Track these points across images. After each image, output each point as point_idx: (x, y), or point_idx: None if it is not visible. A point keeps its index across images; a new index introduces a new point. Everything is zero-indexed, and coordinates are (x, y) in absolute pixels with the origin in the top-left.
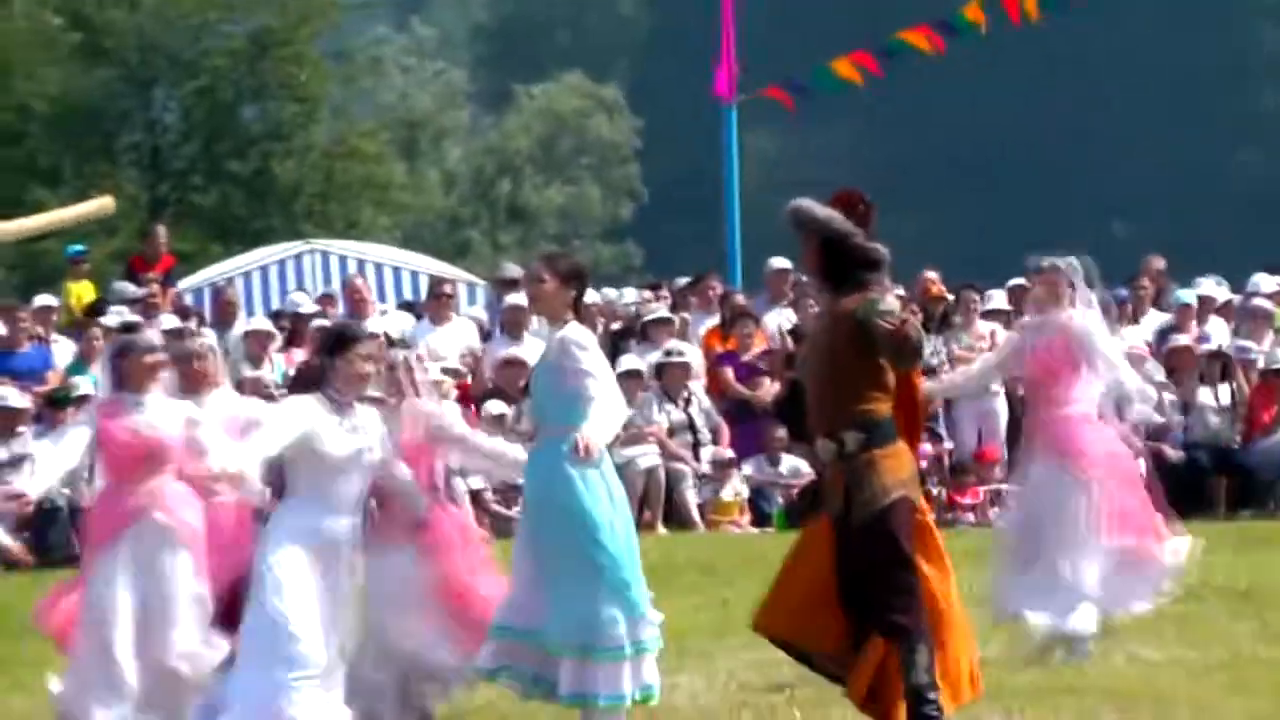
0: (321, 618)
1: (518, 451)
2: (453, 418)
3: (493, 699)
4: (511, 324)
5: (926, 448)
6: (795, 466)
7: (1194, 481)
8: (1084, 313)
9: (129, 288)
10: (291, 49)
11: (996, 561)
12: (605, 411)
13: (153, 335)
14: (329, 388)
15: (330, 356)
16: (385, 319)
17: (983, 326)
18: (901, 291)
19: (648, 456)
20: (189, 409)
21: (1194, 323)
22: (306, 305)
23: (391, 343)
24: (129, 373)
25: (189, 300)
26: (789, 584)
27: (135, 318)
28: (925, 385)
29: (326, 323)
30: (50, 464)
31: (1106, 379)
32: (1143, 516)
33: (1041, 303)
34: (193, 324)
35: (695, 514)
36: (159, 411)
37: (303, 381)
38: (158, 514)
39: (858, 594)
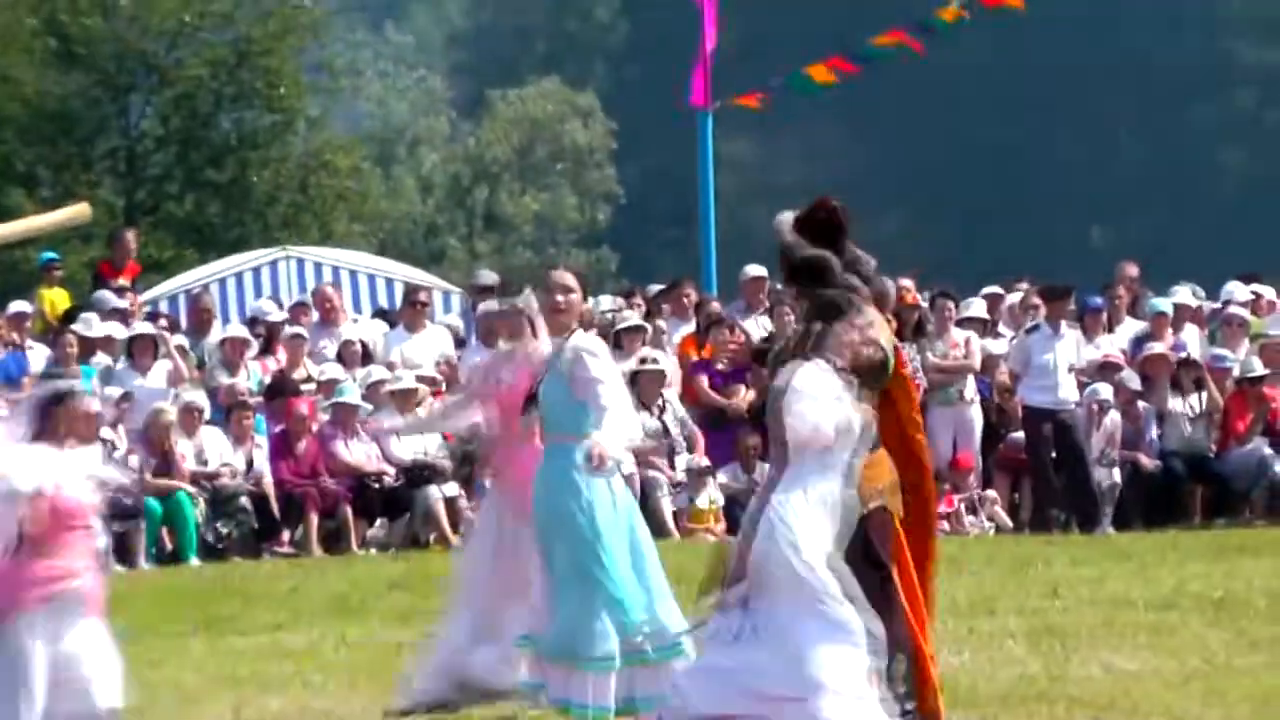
0: None
1: None
2: None
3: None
4: (487, 332)
5: None
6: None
7: (1169, 490)
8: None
9: (110, 297)
10: (272, 59)
11: None
12: (619, 420)
13: (80, 383)
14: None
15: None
16: (358, 326)
17: (957, 334)
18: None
19: (623, 464)
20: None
21: (1169, 331)
22: (275, 314)
23: None
24: (58, 424)
25: (165, 307)
26: None
27: (110, 324)
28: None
29: (303, 331)
30: None
31: None
32: None
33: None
34: (163, 325)
35: (670, 522)
36: (71, 469)
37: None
38: (75, 582)
39: None
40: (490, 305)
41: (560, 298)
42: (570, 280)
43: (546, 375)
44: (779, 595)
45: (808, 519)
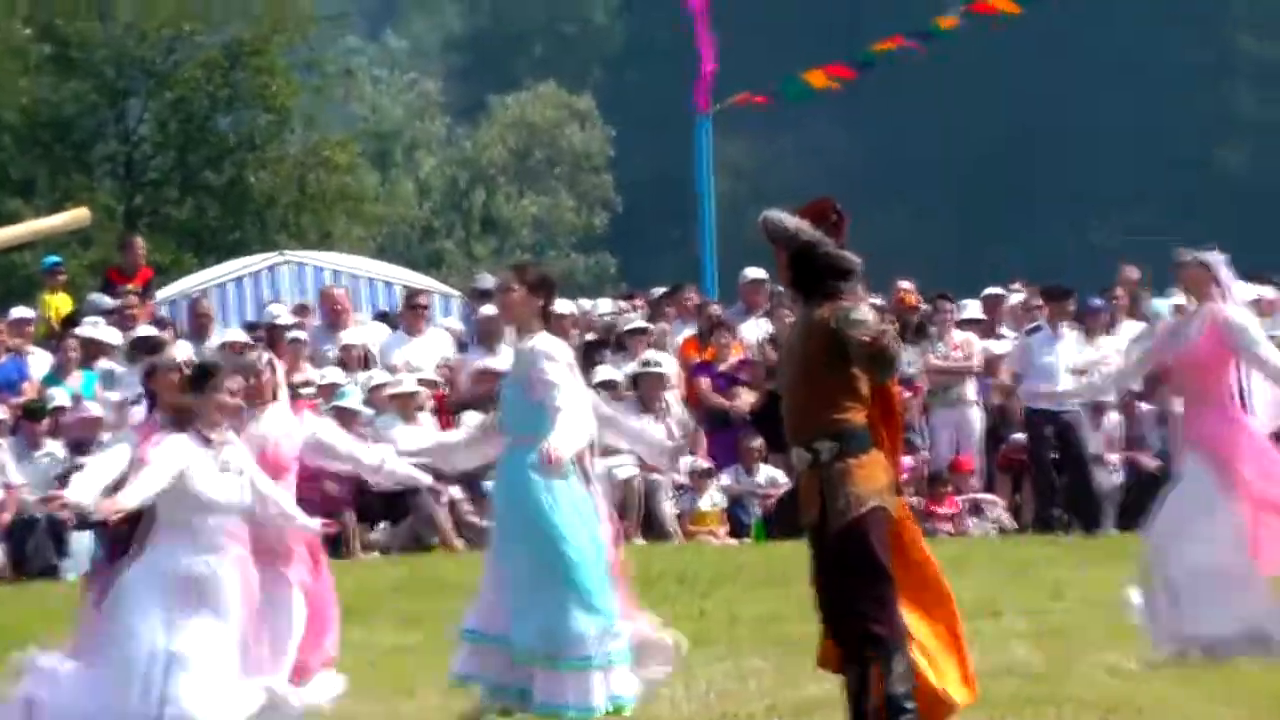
0: None
1: (388, 455)
2: (322, 424)
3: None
4: (486, 334)
5: (905, 459)
6: (772, 476)
7: None
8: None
9: (105, 299)
10: (264, 59)
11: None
12: (571, 422)
13: (177, 353)
14: (195, 427)
15: (197, 393)
16: (358, 330)
17: (958, 336)
18: (879, 300)
19: (625, 467)
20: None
21: None
22: (284, 316)
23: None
24: (159, 395)
25: (165, 312)
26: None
27: (111, 329)
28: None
29: (303, 335)
30: (95, 476)
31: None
32: None
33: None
34: (169, 335)
35: (672, 524)
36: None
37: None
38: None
39: (834, 604)
40: (489, 309)
41: (500, 297)
42: (511, 280)
43: (507, 377)
44: None
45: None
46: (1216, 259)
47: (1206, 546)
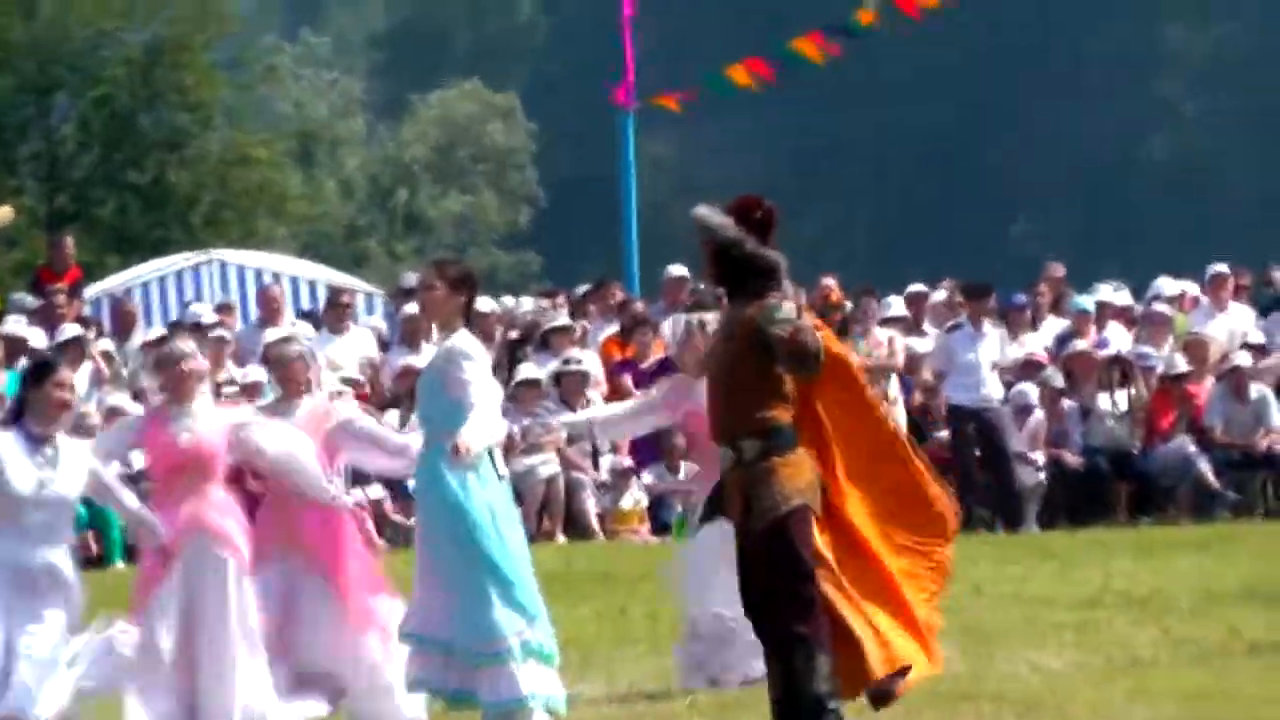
0: None
1: (413, 439)
2: (355, 412)
3: None
4: (409, 333)
5: None
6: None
7: (1093, 487)
8: None
9: (27, 299)
10: (186, 56)
11: None
12: (482, 418)
13: (188, 343)
14: (27, 420)
15: (32, 388)
16: (284, 329)
17: (880, 333)
18: (804, 299)
19: (547, 465)
20: (236, 416)
21: (1092, 328)
22: (207, 315)
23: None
24: (169, 383)
25: (88, 311)
26: None
27: (34, 328)
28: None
29: (226, 334)
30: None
31: None
32: None
33: None
34: (92, 334)
35: (594, 523)
36: (202, 421)
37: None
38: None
39: (758, 601)
40: (412, 307)
41: (421, 294)
42: (432, 277)
43: (425, 372)
44: None
45: None
46: None
47: None
